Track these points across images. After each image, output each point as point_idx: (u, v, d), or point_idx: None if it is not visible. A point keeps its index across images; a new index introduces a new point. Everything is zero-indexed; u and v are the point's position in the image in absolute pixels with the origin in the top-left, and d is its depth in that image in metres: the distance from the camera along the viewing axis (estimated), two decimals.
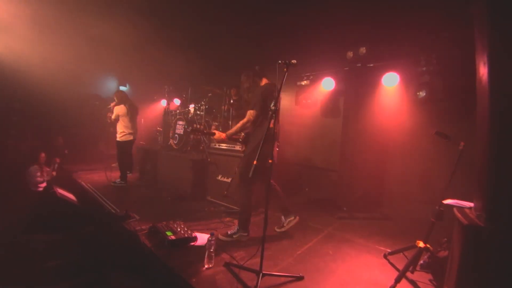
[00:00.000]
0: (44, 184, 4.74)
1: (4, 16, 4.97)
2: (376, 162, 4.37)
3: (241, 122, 2.94)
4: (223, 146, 4.21)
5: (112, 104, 5.26)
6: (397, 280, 2.16)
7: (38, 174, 4.76)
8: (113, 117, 5.06)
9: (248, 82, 3.07)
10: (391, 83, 4.07)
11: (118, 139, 5.17)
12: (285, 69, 2.20)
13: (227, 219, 3.58)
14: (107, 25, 5.12)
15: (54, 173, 4.99)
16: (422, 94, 3.65)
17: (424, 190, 3.82)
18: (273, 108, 2.21)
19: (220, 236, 2.90)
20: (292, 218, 3.14)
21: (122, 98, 5.15)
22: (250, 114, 2.88)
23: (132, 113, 5.16)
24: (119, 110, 5.05)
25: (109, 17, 4.95)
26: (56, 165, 5.20)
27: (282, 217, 3.20)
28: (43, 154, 4.97)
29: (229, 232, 2.95)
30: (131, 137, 5.14)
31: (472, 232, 1.62)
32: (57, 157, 5.30)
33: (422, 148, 3.89)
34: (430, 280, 2.31)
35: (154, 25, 5.20)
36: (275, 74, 2.22)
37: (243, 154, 3.17)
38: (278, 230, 3.19)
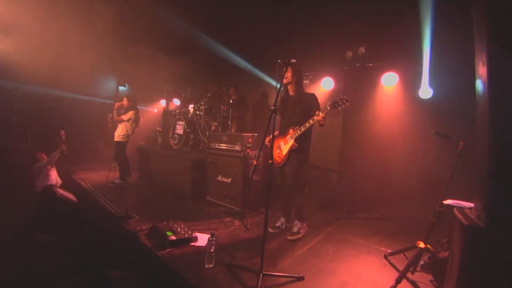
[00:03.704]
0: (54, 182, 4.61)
1: (6, 17, 4.97)
2: (376, 162, 4.37)
3: None
4: (223, 146, 4.20)
5: (117, 104, 5.34)
6: (398, 281, 2.16)
7: (43, 172, 4.60)
8: (125, 119, 5.21)
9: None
10: (390, 82, 4.08)
11: (118, 139, 5.19)
12: (284, 69, 2.20)
13: (227, 219, 3.58)
14: (107, 23, 5.13)
15: (63, 147, 4.81)
16: (431, 93, 3.67)
17: (424, 190, 3.82)
18: (272, 108, 2.21)
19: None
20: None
21: (135, 104, 5.36)
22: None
23: (137, 121, 5.38)
24: (131, 114, 5.23)
25: (108, 16, 4.95)
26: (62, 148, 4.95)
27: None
28: (42, 155, 4.84)
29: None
30: (127, 139, 5.32)
31: (472, 232, 1.61)
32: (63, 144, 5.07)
33: (422, 148, 3.89)
34: (430, 281, 2.30)
35: (153, 23, 5.22)
36: (275, 74, 2.22)
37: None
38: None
